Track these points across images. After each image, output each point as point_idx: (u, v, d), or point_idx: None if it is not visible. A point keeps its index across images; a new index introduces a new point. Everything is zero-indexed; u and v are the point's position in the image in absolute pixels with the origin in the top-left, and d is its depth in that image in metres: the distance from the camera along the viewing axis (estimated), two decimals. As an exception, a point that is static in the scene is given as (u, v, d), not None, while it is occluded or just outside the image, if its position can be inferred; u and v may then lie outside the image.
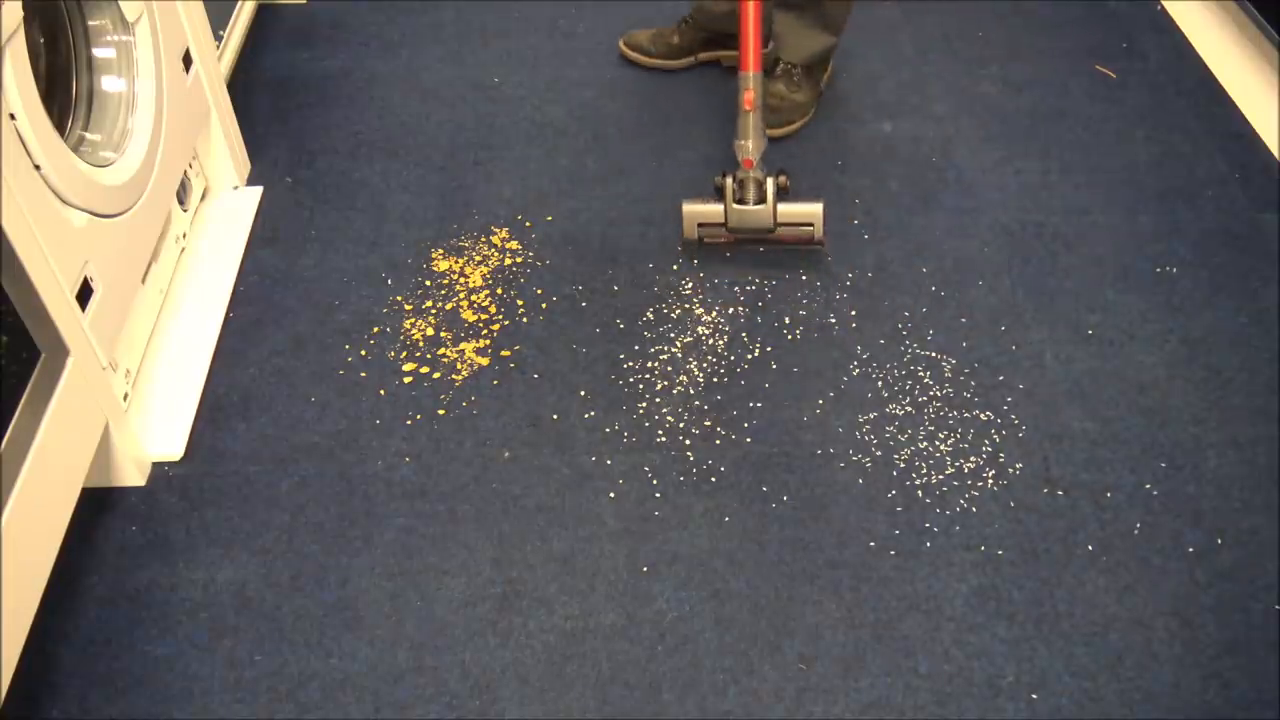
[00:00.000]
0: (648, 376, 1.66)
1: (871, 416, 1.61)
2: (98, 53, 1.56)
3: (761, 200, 1.79)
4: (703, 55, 2.29)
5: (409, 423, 1.59)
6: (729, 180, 1.80)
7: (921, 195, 1.98)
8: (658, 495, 1.51)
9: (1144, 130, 2.13)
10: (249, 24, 2.26)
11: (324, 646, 1.34)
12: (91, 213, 1.39)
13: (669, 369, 1.67)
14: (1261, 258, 1.86)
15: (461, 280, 1.81)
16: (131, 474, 1.50)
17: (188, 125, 1.76)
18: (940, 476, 1.53)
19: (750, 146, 1.81)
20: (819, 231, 1.80)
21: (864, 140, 2.11)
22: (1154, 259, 1.86)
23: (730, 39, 2.24)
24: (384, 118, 2.15)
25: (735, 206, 1.79)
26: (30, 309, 1.22)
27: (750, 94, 1.81)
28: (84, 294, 1.35)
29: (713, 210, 1.81)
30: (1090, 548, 1.45)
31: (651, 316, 1.76)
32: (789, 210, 1.80)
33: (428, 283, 1.81)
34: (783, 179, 1.79)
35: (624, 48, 2.31)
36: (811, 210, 1.79)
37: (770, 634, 1.36)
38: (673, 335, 1.73)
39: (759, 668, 1.32)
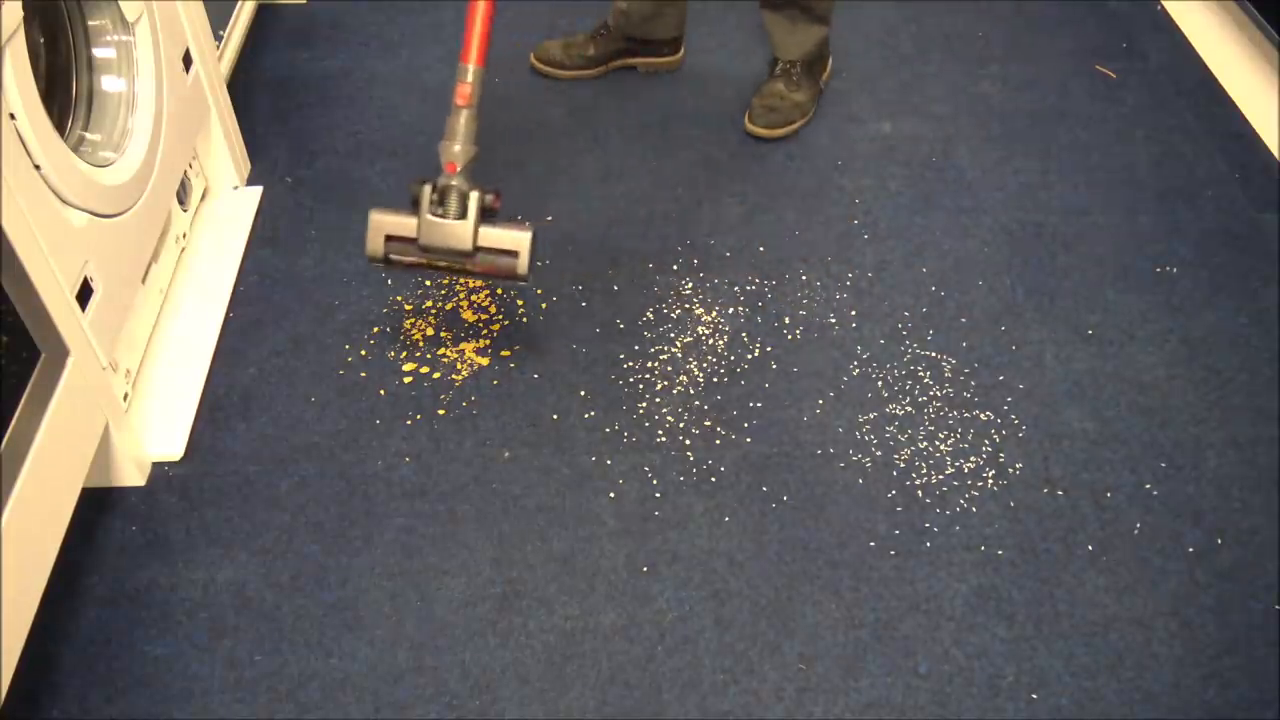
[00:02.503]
0: (648, 376, 1.66)
1: (871, 416, 1.61)
2: (98, 53, 1.56)
3: (462, 215, 1.50)
4: (614, 64, 2.25)
5: (409, 423, 1.59)
6: (427, 188, 1.52)
7: (921, 195, 1.98)
8: (658, 495, 1.51)
9: (1144, 130, 2.13)
10: (249, 24, 2.26)
11: (324, 646, 1.34)
12: (91, 213, 1.39)
13: (669, 369, 1.67)
14: (1261, 258, 1.86)
15: (461, 280, 1.81)
16: (131, 474, 1.50)
17: (188, 125, 1.76)
18: (940, 476, 1.53)
19: (457, 150, 1.52)
20: (524, 265, 1.51)
21: (864, 140, 2.11)
22: (1154, 259, 1.86)
23: (649, 45, 2.23)
24: (384, 118, 2.15)
25: (429, 218, 1.50)
26: (30, 309, 1.22)
27: (466, 88, 1.52)
28: (84, 294, 1.35)
29: (405, 222, 1.52)
30: (1090, 548, 1.45)
31: (651, 316, 1.76)
32: (492, 234, 1.51)
33: (428, 283, 1.81)
34: (491, 198, 1.52)
35: (535, 62, 2.24)
36: (518, 238, 1.51)
37: (770, 634, 1.36)
38: (673, 335, 1.73)
39: (759, 668, 1.32)
